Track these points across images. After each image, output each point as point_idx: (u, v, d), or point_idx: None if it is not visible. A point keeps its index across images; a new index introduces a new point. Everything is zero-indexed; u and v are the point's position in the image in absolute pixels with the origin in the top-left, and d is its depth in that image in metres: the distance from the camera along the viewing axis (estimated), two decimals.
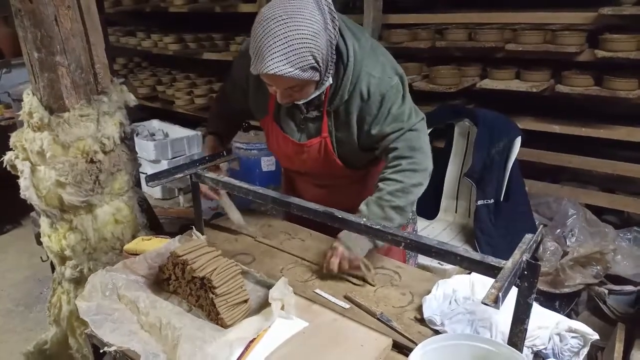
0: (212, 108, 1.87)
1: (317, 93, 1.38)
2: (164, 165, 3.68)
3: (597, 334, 1.11)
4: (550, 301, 2.27)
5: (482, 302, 0.86)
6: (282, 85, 1.30)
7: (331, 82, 1.38)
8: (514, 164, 2.36)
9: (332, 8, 1.28)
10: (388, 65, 1.45)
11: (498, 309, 0.86)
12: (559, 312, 2.19)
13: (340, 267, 1.39)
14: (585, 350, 1.10)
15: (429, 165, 1.49)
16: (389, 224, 1.36)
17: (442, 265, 2.13)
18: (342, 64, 1.38)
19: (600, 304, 2.20)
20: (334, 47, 1.31)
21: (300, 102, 1.41)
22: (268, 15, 1.21)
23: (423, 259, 2.06)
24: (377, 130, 1.45)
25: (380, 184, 1.46)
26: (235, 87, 1.66)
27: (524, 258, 0.96)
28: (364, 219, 1.21)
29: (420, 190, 1.47)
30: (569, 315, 2.23)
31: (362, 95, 1.42)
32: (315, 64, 1.26)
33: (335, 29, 1.29)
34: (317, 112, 1.49)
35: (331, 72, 1.35)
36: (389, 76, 1.43)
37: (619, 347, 1.90)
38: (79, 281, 1.75)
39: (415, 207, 1.71)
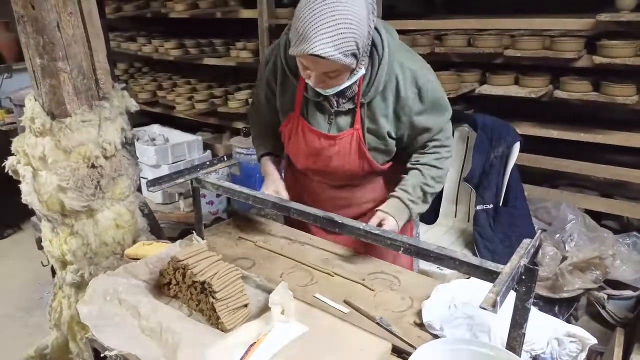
0: (252, 134, 1.85)
1: (349, 83, 1.39)
2: (164, 170, 3.69)
3: (595, 338, 1.11)
4: (549, 306, 2.27)
5: (480, 307, 0.87)
6: (321, 69, 1.31)
7: (364, 72, 1.40)
8: (512, 169, 2.37)
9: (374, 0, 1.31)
10: (419, 59, 1.52)
11: (496, 313, 0.87)
12: (558, 317, 2.21)
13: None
14: (583, 355, 1.11)
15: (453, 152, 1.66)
16: (419, 209, 1.58)
17: (441, 270, 2.13)
18: (377, 55, 1.41)
19: (600, 308, 2.20)
20: (370, 37, 1.33)
21: (329, 93, 1.42)
22: None
23: (423, 264, 2.07)
24: (421, 120, 1.52)
25: (423, 169, 1.57)
26: (268, 90, 1.65)
27: (522, 263, 0.96)
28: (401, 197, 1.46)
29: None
30: (568, 320, 2.24)
31: (398, 85, 1.45)
32: (357, 51, 1.28)
33: (374, 20, 1.32)
34: (350, 105, 1.50)
35: (364, 63, 1.38)
36: (425, 68, 1.51)
37: (617, 352, 1.90)
38: (80, 286, 1.76)
39: None
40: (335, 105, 1.51)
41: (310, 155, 1.62)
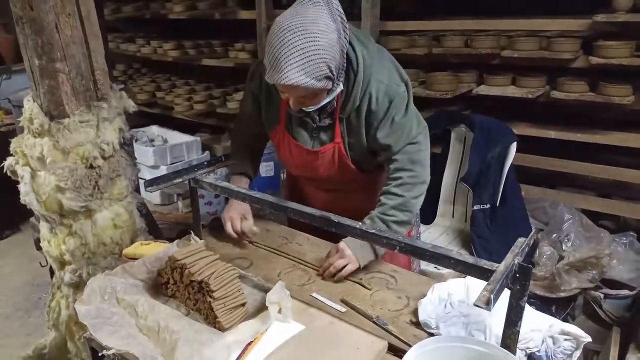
0: (232, 148, 1.82)
1: (328, 100, 1.41)
2: (162, 170, 3.69)
3: (589, 336, 1.12)
4: (546, 305, 2.28)
5: (475, 304, 0.88)
6: (296, 94, 1.34)
7: (342, 88, 1.42)
8: (509, 169, 2.38)
9: (344, 17, 1.31)
10: (395, 71, 1.51)
11: (490, 310, 0.87)
12: (555, 316, 2.20)
13: (343, 271, 1.42)
14: (578, 353, 1.12)
15: (427, 177, 1.55)
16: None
17: (438, 269, 2.14)
18: (352, 71, 1.42)
19: (596, 308, 2.21)
20: (344, 55, 1.34)
21: (311, 110, 1.44)
22: (284, 25, 1.23)
23: (424, 265, 2.08)
24: (381, 136, 1.49)
25: (383, 198, 1.51)
26: (254, 103, 1.65)
27: (516, 261, 0.97)
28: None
29: (420, 202, 1.55)
30: (565, 320, 2.24)
31: (370, 100, 1.46)
32: (330, 74, 1.29)
33: (346, 37, 1.32)
34: (329, 120, 1.52)
35: (342, 79, 1.39)
36: (396, 83, 1.48)
37: (614, 351, 1.91)
38: (78, 285, 1.76)
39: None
40: (317, 120, 1.52)
41: (299, 166, 1.66)
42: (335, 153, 1.55)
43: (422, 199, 1.55)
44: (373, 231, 1.17)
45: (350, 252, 1.44)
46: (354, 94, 1.44)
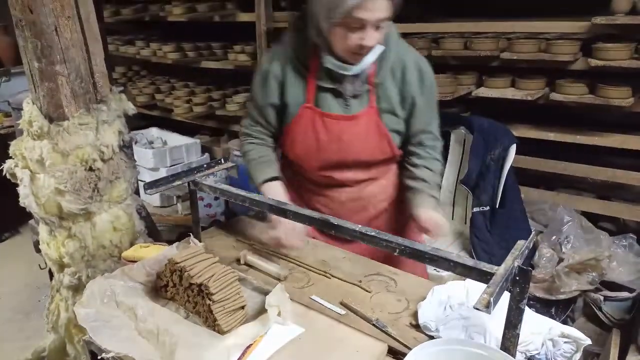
0: (249, 159, 1.66)
1: (373, 57, 1.45)
2: (162, 173, 3.69)
3: (589, 339, 1.12)
4: (546, 307, 2.28)
5: (474, 307, 0.88)
6: (378, 15, 1.33)
7: (382, 48, 1.46)
8: (509, 171, 2.38)
9: None
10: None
11: (490, 313, 0.87)
12: (555, 318, 2.21)
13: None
14: (578, 356, 1.12)
15: None
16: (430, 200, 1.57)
17: (438, 271, 2.14)
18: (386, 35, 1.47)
19: (596, 310, 2.21)
20: None
21: (362, 66, 1.45)
22: None
23: (430, 269, 2.06)
24: (420, 106, 1.56)
25: (426, 163, 1.62)
26: (274, 89, 1.58)
27: (516, 264, 0.97)
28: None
29: None
30: (565, 322, 2.24)
31: (405, 67, 1.52)
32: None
33: None
34: (364, 87, 1.53)
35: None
36: (422, 57, 1.59)
37: (614, 353, 1.91)
38: (77, 288, 1.76)
39: None
40: (351, 88, 1.52)
41: (331, 142, 1.57)
42: (371, 118, 1.55)
43: None
44: (373, 233, 1.16)
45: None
46: (389, 57, 1.50)
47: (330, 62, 1.47)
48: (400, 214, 1.75)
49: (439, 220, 1.51)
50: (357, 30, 1.36)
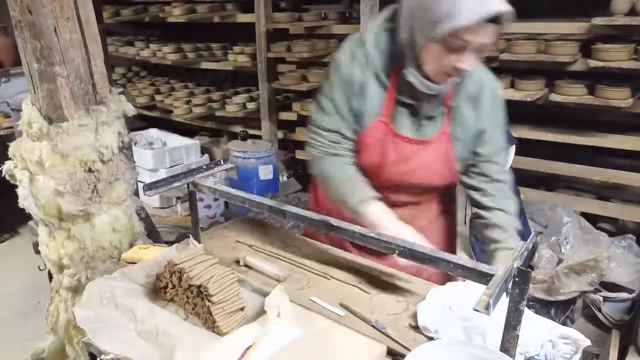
0: (338, 181, 1.46)
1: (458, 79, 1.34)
2: (162, 174, 3.69)
3: (588, 340, 1.12)
4: (545, 308, 2.28)
5: (474, 309, 0.88)
6: (485, 41, 1.21)
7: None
8: (508, 171, 2.38)
9: None
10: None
11: (489, 315, 0.87)
12: (554, 319, 2.21)
13: None
14: (577, 357, 1.12)
15: None
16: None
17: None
18: None
19: (595, 311, 2.21)
20: None
21: (445, 87, 1.34)
22: None
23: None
24: (491, 130, 1.43)
25: (504, 203, 1.44)
26: (352, 95, 1.42)
27: (516, 265, 0.97)
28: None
29: None
30: (564, 323, 2.24)
31: (481, 89, 1.40)
32: None
33: None
34: (439, 108, 1.41)
35: None
36: (494, 77, 1.45)
37: (613, 354, 1.91)
38: (77, 290, 1.76)
39: None
40: (427, 108, 1.40)
41: (397, 164, 1.46)
42: (442, 143, 1.44)
43: None
44: (372, 235, 1.16)
45: None
46: (470, 81, 1.38)
47: (413, 76, 1.32)
48: (439, 229, 1.67)
49: None
50: (455, 51, 1.22)
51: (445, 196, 1.66)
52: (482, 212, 1.48)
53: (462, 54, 1.23)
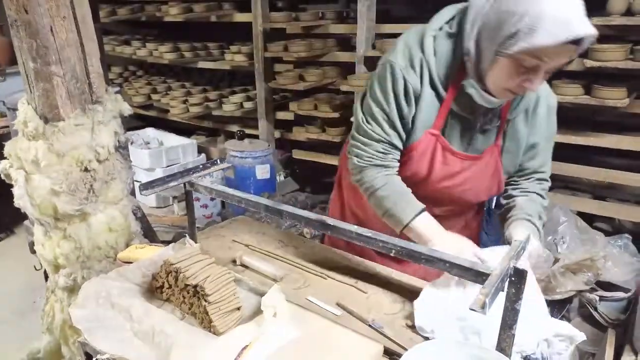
0: (388, 198, 1.37)
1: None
2: (158, 173, 3.69)
3: (584, 334, 1.12)
4: None
5: (470, 308, 0.88)
6: (561, 63, 1.15)
7: None
8: None
9: None
10: None
11: (485, 314, 0.87)
12: None
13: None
14: (572, 347, 1.12)
15: None
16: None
17: None
18: None
19: (592, 310, 2.21)
20: None
21: (502, 102, 1.27)
22: None
23: None
24: (543, 143, 1.40)
25: (529, 200, 1.42)
26: (405, 104, 1.32)
27: (512, 264, 0.97)
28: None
29: None
30: None
31: (537, 101, 1.35)
32: None
33: None
34: (495, 121, 1.34)
35: None
36: (551, 89, 1.41)
37: (609, 353, 1.91)
38: (73, 289, 1.76)
39: None
40: (482, 122, 1.33)
41: (443, 179, 1.40)
42: (492, 158, 1.38)
43: None
44: (369, 234, 1.16)
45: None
46: (528, 94, 1.31)
47: (473, 88, 1.25)
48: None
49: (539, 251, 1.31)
50: (526, 70, 1.15)
51: (478, 205, 1.62)
52: (504, 200, 1.49)
53: (533, 74, 1.15)
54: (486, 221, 2.41)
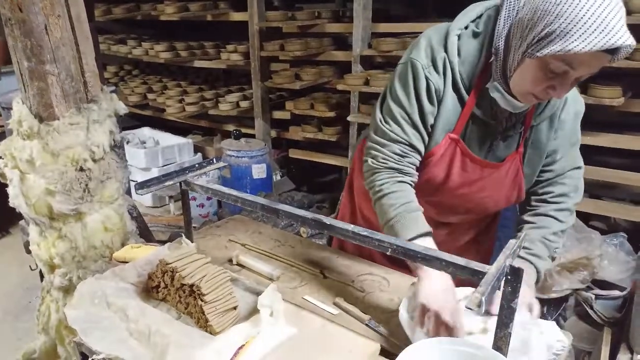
0: (398, 211, 1.25)
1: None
2: (154, 173, 3.68)
3: (571, 335, 1.12)
4: None
5: (466, 307, 0.88)
6: (591, 72, 1.06)
7: None
8: None
9: None
10: None
11: (481, 313, 0.87)
12: (546, 317, 2.22)
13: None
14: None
15: None
16: (545, 264, 1.33)
17: None
18: None
19: (588, 308, 2.22)
20: None
21: (527, 106, 1.20)
22: None
23: None
24: (567, 148, 1.33)
25: (545, 219, 1.34)
26: (431, 107, 1.25)
27: (508, 263, 0.97)
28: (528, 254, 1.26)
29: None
30: (556, 320, 2.26)
31: (564, 105, 1.28)
32: None
33: None
34: (518, 127, 1.27)
35: None
36: (578, 92, 1.32)
37: (605, 351, 1.92)
38: (68, 289, 1.75)
39: None
40: (504, 127, 1.27)
41: (461, 186, 1.34)
42: (513, 165, 1.32)
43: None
44: (365, 233, 1.16)
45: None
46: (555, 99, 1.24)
47: (498, 92, 1.18)
48: (477, 248, 1.60)
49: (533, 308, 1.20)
50: (554, 75, 1.07)
51: (492, 214, 1.56)
52: (528, 218, 1.39)
53: (561, 80, 1.07)
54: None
